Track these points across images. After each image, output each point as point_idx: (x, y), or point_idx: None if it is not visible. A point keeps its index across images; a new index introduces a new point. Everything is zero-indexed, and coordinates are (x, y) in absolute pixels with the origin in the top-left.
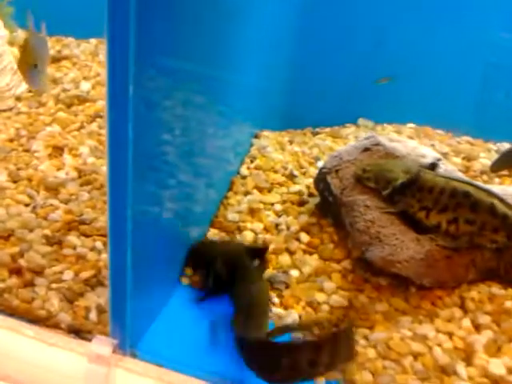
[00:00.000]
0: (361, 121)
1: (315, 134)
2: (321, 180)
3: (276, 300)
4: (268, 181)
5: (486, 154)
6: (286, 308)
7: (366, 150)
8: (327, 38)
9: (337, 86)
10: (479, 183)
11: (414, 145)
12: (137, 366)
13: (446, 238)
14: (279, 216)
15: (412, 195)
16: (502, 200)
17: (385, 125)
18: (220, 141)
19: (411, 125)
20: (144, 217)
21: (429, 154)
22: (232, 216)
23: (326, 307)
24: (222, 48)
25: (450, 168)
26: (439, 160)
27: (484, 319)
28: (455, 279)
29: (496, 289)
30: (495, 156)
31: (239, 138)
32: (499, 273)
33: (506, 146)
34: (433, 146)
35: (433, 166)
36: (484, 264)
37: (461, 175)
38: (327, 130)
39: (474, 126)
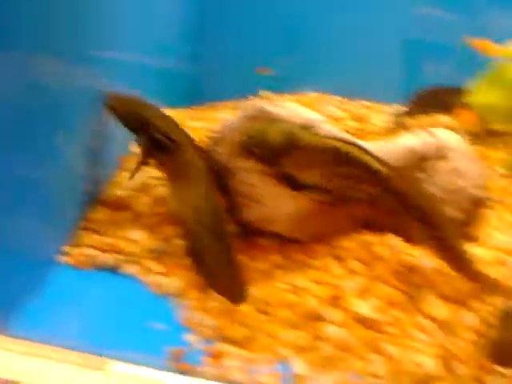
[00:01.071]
0: (262, 92)
1: (217, 108)
2: (209, 149)
3: (159, 269)
4: None
5: (380, 116)
6: (169, 276)
7: (251, 117)
8: (228, 12)
9: (238, 59)
10: (356, 141)
11: (297, 109)
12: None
13: (321, 193)
14: None
15: (290, 156)
16: (374, 156)
17: (285, 95)
18: (106, 121)
19: (311, 93)
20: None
21: (310, 117)
22: (120, 193)
23: None
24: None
25: (332, 129)
26: (320, 121)
27: (355, 265)
28: (330, 231)
29: (369, 237)
30: (389, 117)
31: None
32: (371, 222)
33: (400, 108)
34: (328, 111)
35: (310, 127)
36: (357, 215)
37: (341, 135)
38: (229, 103)
39: (371, 90)
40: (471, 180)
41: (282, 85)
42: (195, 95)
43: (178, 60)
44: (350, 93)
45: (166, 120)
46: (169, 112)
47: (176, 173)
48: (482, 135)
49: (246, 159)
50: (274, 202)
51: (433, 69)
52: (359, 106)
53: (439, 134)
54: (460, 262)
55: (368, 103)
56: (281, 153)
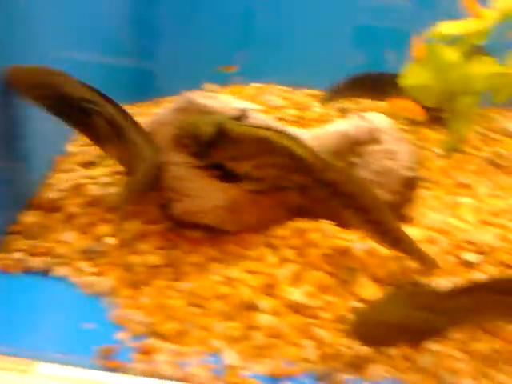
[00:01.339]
0: (206, 86)
1: (160, 103)
2: None
3: (91, 269)
4: (95, 155)
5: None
6: (100, 275)
7: (181, 109)
8: (177, 8)
9: (188, 54)
10: (286, 129)
11: (227, 99)
12: None
13: (253, 183)
14: (104, 188)
15: (220, 147)
16: (300, 143)
17: (231, 87)
18: (39, 122)
19: (256, 84)
20: None
21: (240, 107)
22: (52, 195)
23: (141, 268)
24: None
25: (265, 118)
26: (249, 111)
27: (288, 253)
28: (263, 221)
29: (302, 224)
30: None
31: None
32: (305, 210)
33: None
34: (270, 101)
35: (241, 117)
36: (290, 204)
37: (272, 124)
38: (172, 98)
39: (318, 79)
40: (403, 161)
41: (230, 78)
42: (142, 92)
43: (125, 56)
44: (298, 83)
45: (80, 85)
46: None
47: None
48: (421, 118)
49: (178, 152)
50: (204, 195)
51: (382, 56)
52: (303, 95)
53: (371, 117)
54: (398, 244)
55: (314, 91)
56: (212, 144)
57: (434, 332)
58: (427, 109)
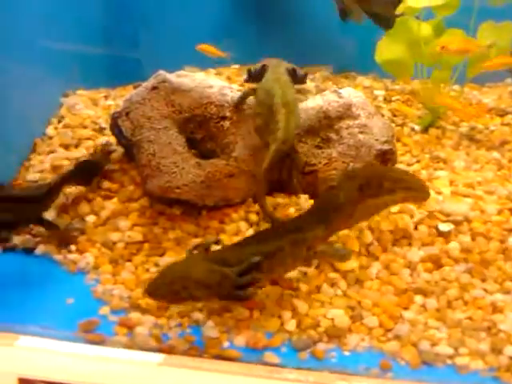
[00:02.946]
0: (186, 68)
1: (137, 87)
2: (115, 125)
3: (72, 247)
4: (75, 137)
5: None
6: (81, 252)
7: (154, 88)
8: None
9: (158, 36)
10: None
11: (202, 78)
12: None
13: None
14: None
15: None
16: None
17: (209, 69)
18: (16, 104)
19: (235, 66)
20: None
21: (216, 84)
22: (33, 176)
23: (121, 245)
24: None
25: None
26: (226, 88)
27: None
28: (240, 195)
29: (280, 199)
30: None
31: (42, 100)
32: (283, 184)
33: None
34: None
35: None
36: (268, 177)
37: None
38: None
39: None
40: (376, 135)
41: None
42: (117, 76)
43: (107, 43)
44: None
45: None
46: (82, 92)
47: None
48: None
49: (149, 130)
50: (179, 170)
51: None
52: None
53: (346, 93)
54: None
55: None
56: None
57: (230, 283)
58: None
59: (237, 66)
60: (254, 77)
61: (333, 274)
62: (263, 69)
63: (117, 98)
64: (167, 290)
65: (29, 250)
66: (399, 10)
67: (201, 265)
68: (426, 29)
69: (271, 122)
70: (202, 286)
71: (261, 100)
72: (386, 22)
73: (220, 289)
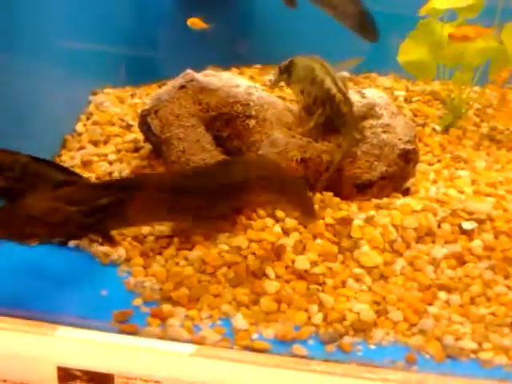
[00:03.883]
0: (210, 68)
1: (161, 85)
2: (143, 123)
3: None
4: (104, 134)
5: None
6: (112, 246)
7: (182, 87)
8: None
9: (181, 37)
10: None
11: (229, 77)
12: None
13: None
14: (111, 164)
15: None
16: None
17: (232, 69)
18: (47, 103)
19: (257, 65)
20: None
21: (242, 83)
22: None
23: (151, 238)
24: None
25: (264, 94)
26: (252, 87)
27: (292, 223)
28: None
29: None
30: None
31: (71, 98)
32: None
33: None
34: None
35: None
36: None
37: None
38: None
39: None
40: (399, 135)
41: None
42: (140, 74)
43: (120, 41)
44: None
45: None
46: (109, 90)
47: None
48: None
49: (178, 128)
50: None
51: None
52: None
53: (369, 94)
54: None
55: None
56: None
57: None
58: None
59: (258, 66)
60: (284, 71)
61: (358, 270)
62: (292, 63)
63: (142, 96)
64: (11, 225)
65: (62, 243)
66: (422, 11)
67: (46, 203)
68: (448, 30)
69: (319, 97)
70: (46, 225)
71: (300, 76)
72: (350, 19)
73: (65, 228)
